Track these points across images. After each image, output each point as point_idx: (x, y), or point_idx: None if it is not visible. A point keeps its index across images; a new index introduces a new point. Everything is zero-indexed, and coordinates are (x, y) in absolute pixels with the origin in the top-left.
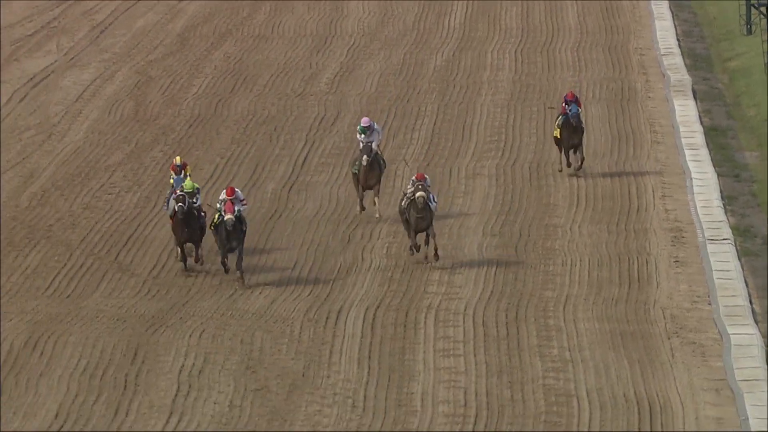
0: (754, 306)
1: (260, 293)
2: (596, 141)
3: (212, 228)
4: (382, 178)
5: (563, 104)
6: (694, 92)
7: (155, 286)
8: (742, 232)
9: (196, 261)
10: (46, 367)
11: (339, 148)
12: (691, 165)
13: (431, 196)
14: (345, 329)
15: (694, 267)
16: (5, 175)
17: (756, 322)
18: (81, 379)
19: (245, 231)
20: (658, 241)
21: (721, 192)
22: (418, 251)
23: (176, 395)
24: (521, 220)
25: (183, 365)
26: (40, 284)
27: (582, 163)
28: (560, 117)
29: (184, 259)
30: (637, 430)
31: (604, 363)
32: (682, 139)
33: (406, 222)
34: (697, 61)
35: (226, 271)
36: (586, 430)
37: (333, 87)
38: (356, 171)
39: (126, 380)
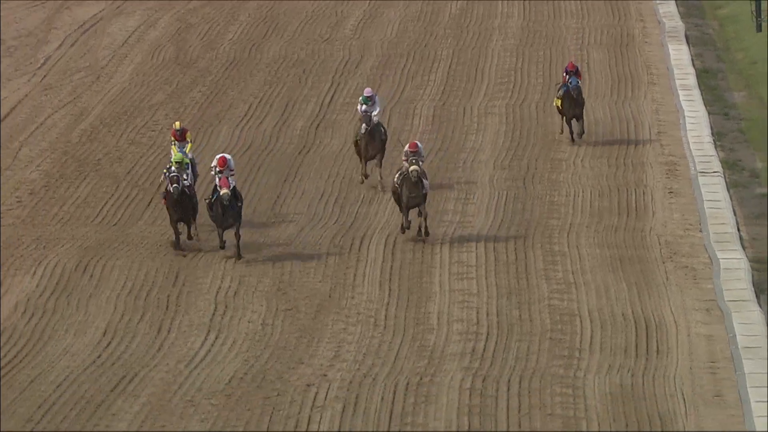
0: (741, 233)
1: (290, 222)
2: (597, 83)
3: (207, 204)
4: (385, 149)
5: (564, 74)
6: (687, 38)
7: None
8: (730, 166)
9: (189, 238)
10: (95, 289)
11: (362, 89)
12: (684, 104)
13: (425, 175)
14: (368, 254)
15: (687, 197)
16: (58, 113)
17: (743, 247)
18: (127, 299)
19: (241, 205)
20: (654, 173)
21: (711, 129)
22: (408, 229)
23: (213, 314)
24: (528, 155)
25: (220, 287)
26: (89, 213)
27: (583, 133)
28: (561, 88)
29: (177, 238)
30: (634, 345)
31: (605, 285)
32: (676, 81)
33: (399, 199)
34: (689, 9)
35: (222, 247)
36: (588, 346)
37: (357, 33)
38: (358, 139)
39: (168, 301)
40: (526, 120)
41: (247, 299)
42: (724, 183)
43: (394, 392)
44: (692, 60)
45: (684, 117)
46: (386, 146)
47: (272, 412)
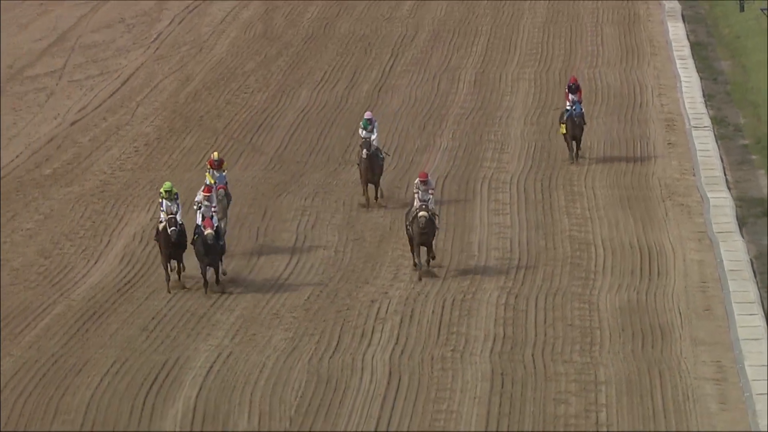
0: (727, 176)
1: (358, 168)
2: (609, 53)
3: (192, 242)
4: (383, 172)
5: (566, 90)
6: (683, 16)
7: (279, 162)
8: (718, 122)
9: (179, 273)
10: None
11: (416, 59)
12: (680, 71)
13: (434, 212)
14: None
15: (683, 147)
16: (168, 79)
17: (729, 188)
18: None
19: (224, 244)
20: (656, 128)
21: (703, 91)
22: (418, 269)
23: (295, 243)
24: (553, 113)
25: (300, 221)
26: (193, 160)
27: (578, 153)
28: (565, 112)
29: (168, 278)
30: (639, 269)
31: (615, 219)
32: (674, 52)
33: (410, 237)
34: None
35: (205, 283)
36: (601, 269)
37: (412, 12)
38: (359, 164)
39: (258, 232)
40: (551, 84)
41: (322, 231)
42: (713, 136)
43: (443, 307)
44: (687, 35)
45: (680, 81)
46: (384, 170)
47: (343, 323)
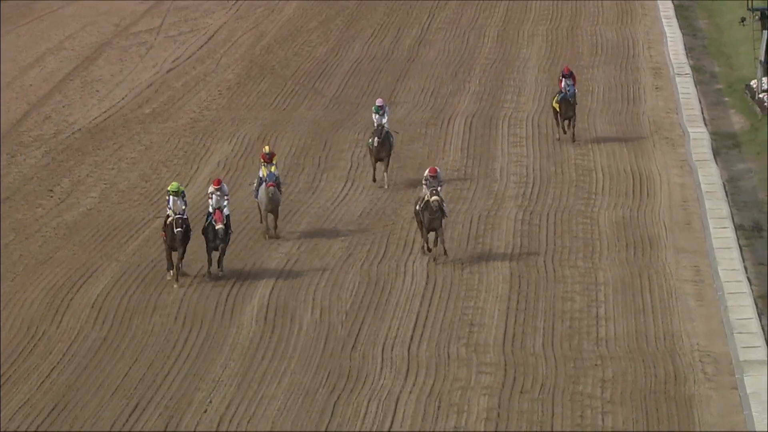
0: (704, 115)
1: (400, 108)
2: (608, 14)
3: (201, 229)
4: (392, 153)
5: (560, 77)
6: None
7: (338, 104)
8: (697, 70)
9: (179, 263)
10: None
11: (449, 19)
12: (666, 28)
13: (444, 201)
14: (453, 129)
15: (668, 91)
16: (246, 35)
17: (705, 124)
18: (291, 157)
19: (231, 233)
20: (645, 75)
21: (684, 45)
22: (429, 252)
23: (350, 169)
24: (560, 63)
25: (353, 152)
26: (266, 102)
27: (574, 133)
28: (558, 94)
29: (171, 266)
30: (632, 190)
31: (612, 150)
32: (660, 13)
33: (420, 223)
34: None
35: (210, 268)
36: (600, 190)
37: None
38: (370, 146)
39: (319, 160)
40: (559, 40)
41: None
42: (693, 81)
43: (470, 222)
44: None
45: (666, 36)
46: (392, 151)
47: (389, 236)
